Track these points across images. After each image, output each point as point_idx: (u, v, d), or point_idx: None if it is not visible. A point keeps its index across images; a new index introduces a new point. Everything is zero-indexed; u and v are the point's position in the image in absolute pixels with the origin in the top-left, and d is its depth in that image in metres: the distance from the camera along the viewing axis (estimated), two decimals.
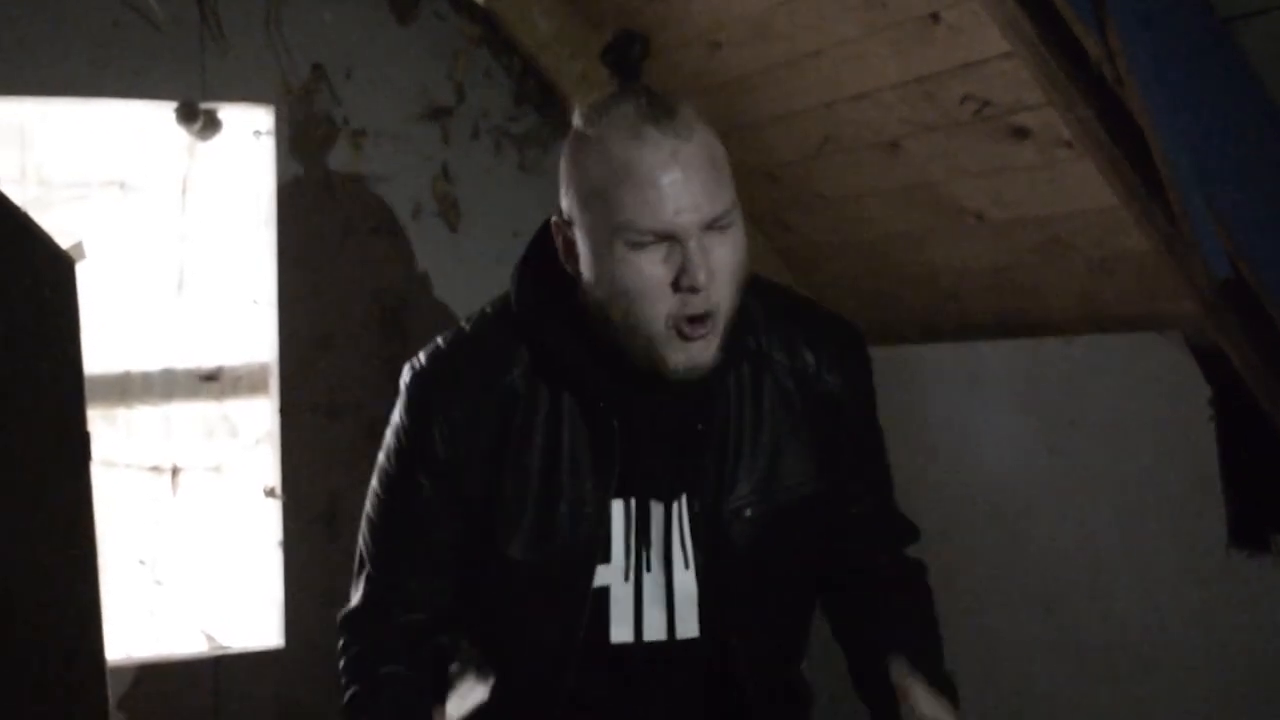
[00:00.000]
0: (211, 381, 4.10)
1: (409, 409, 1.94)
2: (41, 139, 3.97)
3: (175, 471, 4.07)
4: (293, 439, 4.01)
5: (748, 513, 1.90)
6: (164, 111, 3.96)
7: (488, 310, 1.98)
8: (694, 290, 1.73)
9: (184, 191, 4.09)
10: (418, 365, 1.96)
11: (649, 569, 1.91)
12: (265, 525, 4.06)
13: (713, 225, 1.76)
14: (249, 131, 4.11)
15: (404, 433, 1.95)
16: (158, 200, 4.07)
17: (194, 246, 4.10)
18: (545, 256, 1.89)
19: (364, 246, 4.13)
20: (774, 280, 2.12)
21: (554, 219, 1.86)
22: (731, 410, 1.91)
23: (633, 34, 1.87)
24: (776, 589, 1.97)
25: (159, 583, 4.03)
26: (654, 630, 1.92)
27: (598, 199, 1.76)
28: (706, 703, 1.98)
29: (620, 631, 1.92)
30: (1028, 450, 3.37)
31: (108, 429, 3.95)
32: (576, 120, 1.82)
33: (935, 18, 2.90)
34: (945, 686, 1.92)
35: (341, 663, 1.96)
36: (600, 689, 1.94)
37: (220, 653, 3.98)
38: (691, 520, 1.90)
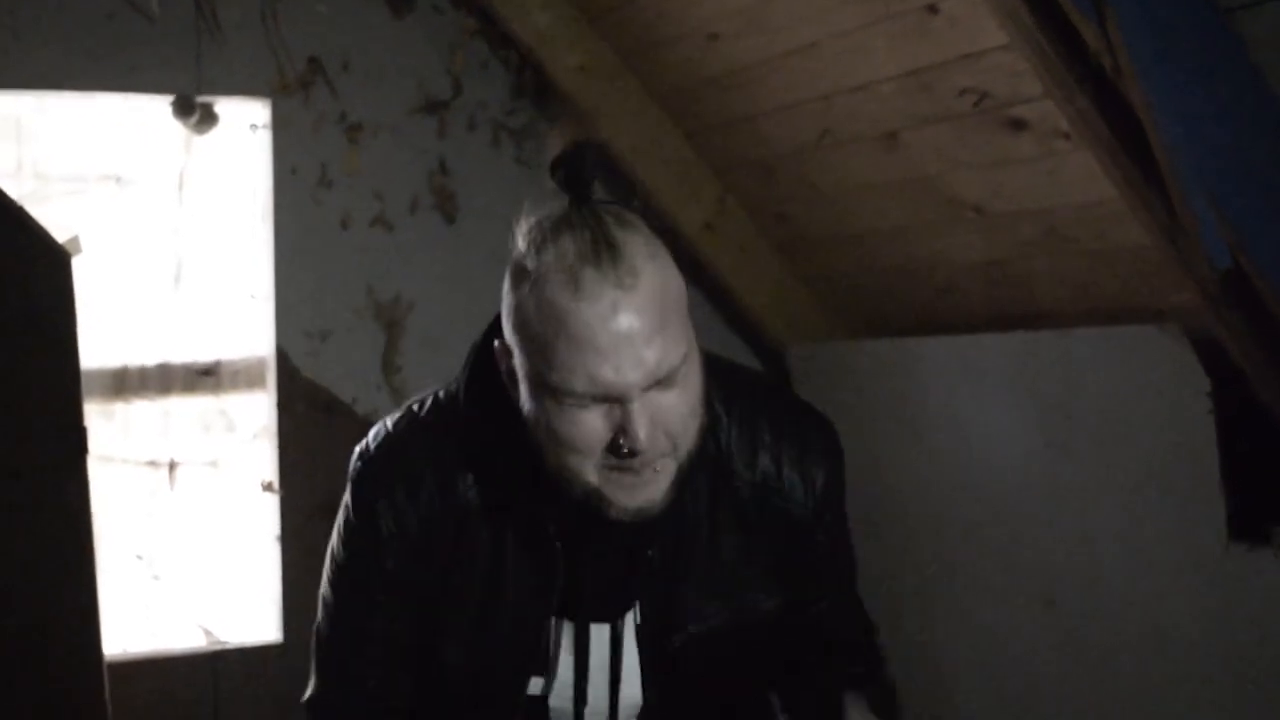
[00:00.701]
0: (209, 376, 4.09)
1: (355, 503, 1.86)
2: (37, 133, 3.96)
3: (172, 466, 4.06)
4: (290, 433, 4.01)
5: (693, 629, 1.84)
6: (160, 105, 3.95)
7: (441, 399, 1.88)
8: (633, 454, 1.61)
9: (180, 185, 4.08)
10: (367, 455, 1.87)
11: (587, 689, 1.86)
12: (263, 520, 4.05)
13: (659, 382, 1.60)
14: (245, 125, 4.10)
15: (353, 530, 1.87)
16: (154, 194, 4.05)
17: (190, 240, 4.09)
18: (492, 366, 1.77)
19: (361, 240, 4.12)
20: (738, 366, 1.99)
21: (497, 343, 1.73)
22: (686, 528, 1.83)
23: (584, 145, 1.69)
24: (726, 698, 1.93)
25: (156, 578, 4.02)
26: None
27: (533, 346, 1.62)
28: None
29: None
30: (1026, 443, 3.36)
31: (104, 424, 3.94)
32: (518, 242, 1.66)
33: (933, 9, 2.89)
34: None
35: None
36: None
37: (218, 648, 3.98)
38: (638, 639, 1.84)
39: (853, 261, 3.91)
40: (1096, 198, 2.91)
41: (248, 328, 4.12)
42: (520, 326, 1.64)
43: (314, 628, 1.96)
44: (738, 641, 1.87)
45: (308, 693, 1.97)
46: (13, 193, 3.02)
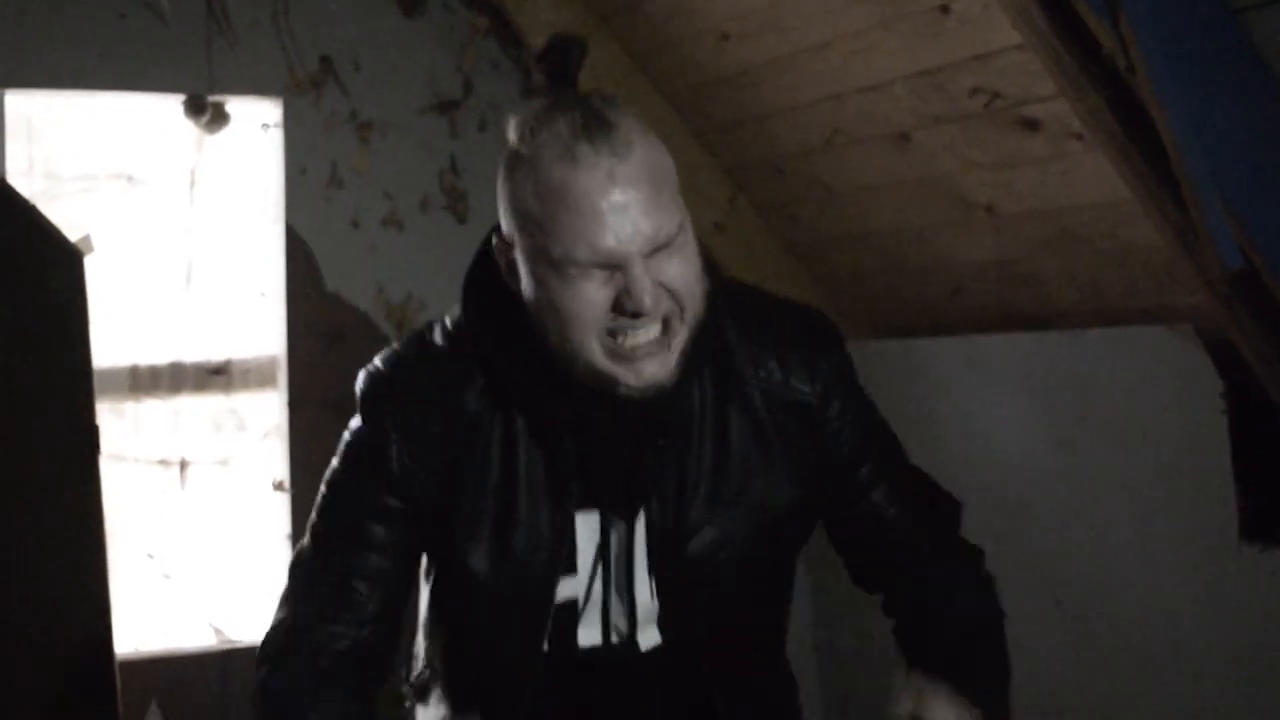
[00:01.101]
0: (220, 375, 4.10)
1: (366, 419, 1.89)
2: (49, 132, 3.97)
3: (183, 465, 4.07)
4: (301, 432, 4.01)
5: (708, 529, 1.85)
6: (172, 104, 3.96)
7: (446, 323, 1.91)
8: (637, 314, 1.65)
9: (192, 184, 4.09)
10: (375, 373, 1.90)
11: (611, 582, 1.87)
12: (273, 519, 4.06)
13: (658, 248, 1.66)
14: (257, 124, 4.11)
15: (360, 442, 1.90)
16: (166, 193, 4.06)
17: (202, 239, 4.10)
18: (492, 272, 1.83)
19: (372, 239, 4.13)
20: (740, 282, 2.04)
21: (494, 239, 1.81)
22: (695, 425, 1.85)
23: (569, 39, 1.76)
24: (743, 602, 1.93)
25: (167, 576, 4.03)
26: (618, 633, 1.90)
27: (533, 224, 1.68)
28: (676, 708, 1.96)
29: (588, 635, 1.90)
30: (1037, 444, 3.36)
31: (116, 422, 3.95)
32: (510, 135, 1.72)
33: (945, 9, 2.89)
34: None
35: (264, 694, 1.88)
36: (569, 697, 1.93)
37: (229, 646, 3.98)
38: (649, 537, 1.85)
39: (864, 261, 3.90)
40: (1109, 198, 2.90)
41: (259, 326, 4.13)
42: (519, 210, 1.71)
43: (292, 560, 1.95)
44: (751, 543, 1.88)
45: (281, 601, 1.92)
46: (25, 191, 3.03)
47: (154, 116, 4.03)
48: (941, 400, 3.65)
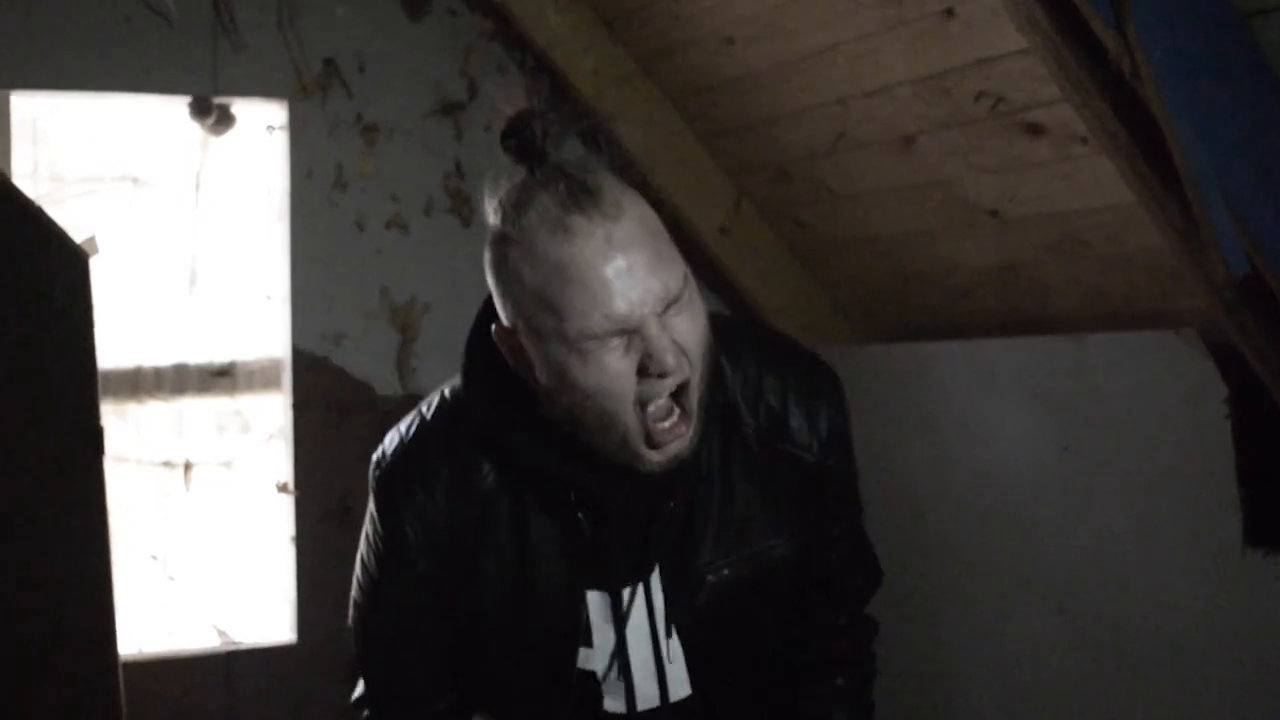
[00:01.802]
0: (224, 377, 4.10)
1: (380, 512, 1.89)
2: (54, 134, 3.97)
3: (188, 467, 4.07)
4: (305, 434, 4.02)
5: (712, 578, 1.87)
6: (177, 106, 3.96)
7: (447, 396, 1.91)
8: (663, 375, 1.64)
9: (197, 187, 4.09)
10: (384, 464, 1.90)
11: (629, 652, 1.88)
12: (277, 521, 4.06)
13: (669, 305, 1.64)
14: (262, 126, 4.11)
15: (379, 537, 1.91)
16: (171, 195, 4.07)
17: (207, 242, 4.10)
18: (488, 349, 1.79)
19: (376, 242, 4.13)
20: (737, 320, 2.07)
21: (494, 328, 1.75)
22: (700, 480, 1.86)
23: (528, 114, 1.73)
24: (758, 642, 1.98)
25: (171, 578, 4.03)
26: (647, 700, 1.92)
27: (540, 306, 1.64)
28: None
29: (613, 704, 1.92)
30: (1041, 449, 3.35)
31: (120, 424, 3.95)
32: (492, 219, 1.70)
33: (950, 13, 2.89)
34: None
35: None
36: None
37: (232, 648, 3.98)
38: (665, 592, 1.87)
39: (868, 265, 3.90)
40: (1113, 202, 2.90)
41: (263, 329, 4.13)
42: (520, 296, 1.66)
43: (353, 632, 2.00)
44: (756, 589, 1.91)
45: (356, 693, 2.01)
46: (30, 193, 3.03)
47: (159, 119, 4.03)
48: (945, 404, 3.65)
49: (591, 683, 1.90)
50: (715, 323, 1.79)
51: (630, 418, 1.66)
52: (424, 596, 1.89)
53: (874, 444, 2.19)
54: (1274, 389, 2.72)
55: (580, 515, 1.80)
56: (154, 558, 4.01)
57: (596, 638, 1.87)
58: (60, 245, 2.99)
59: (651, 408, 1.66)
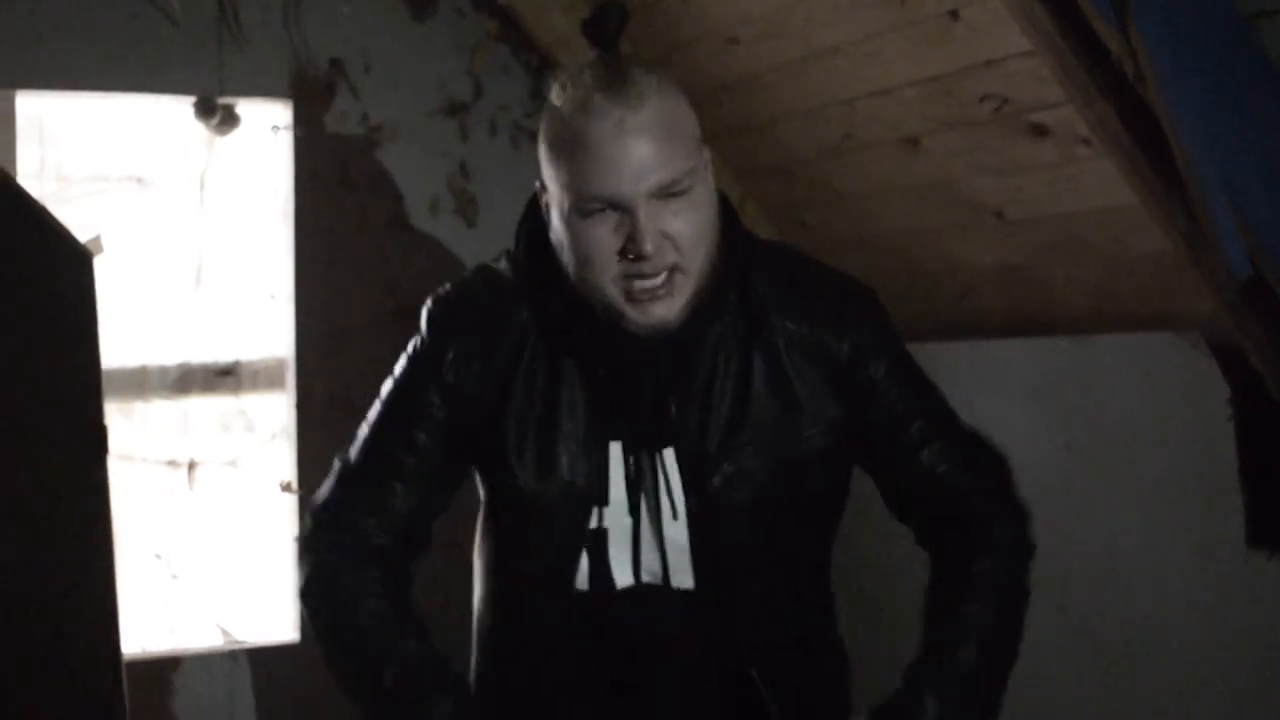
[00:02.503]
0: (228, 376, 4.11)
1: (428, 327, 2.03)
2: (60, 134, 3.98)
3: (192, 466, 4.08)
4: (309, 434, 4.02)
5: (726, 465, 1.91)
6: (182, 106, 3.96)
7: (505, 256, 2.04)
8: (640, 258, 1.77)
9: (202, 186, 4.10)
10: (441, 292, 2.06)
11: (641, 515, 1.93)
12: (281, 520, 4.07)
13: (665, 192, 1.78)
14: (267, 126, 4.11)
15: (419, 348, 2.04)
16: (175, 195, 4.07)
17: (211, 241, 4.11)
18: (538, 215, 1.96)
19: (381, 242, 4.14)
20: (785, 245, 2.14)
21: (537, 183, 1.92)
22: (719, 366, 1.93)
23: (608, 5, 1.89)
24: (771, 550, 1.96)
25: (175, 577, 4.03)
26: (650, 572, 1.95)
27: (558, 168, 1.82)
28: (709, 664, 1.99)
29: (621, 572, 1.95)
30: (1044, 450, 3.35)
31: (124, 423, 3.96)
32: (551, 93, 1.86)
33: (954, 15, 2.89)
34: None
35: (310, 561, 2.02)
36: (605, 640, 1.97)
37: (236, 647, 3.99)
38: (680, 471, 1.92)
39: (872, 266, 3.89)
40: (1116, 204, 2.90)
41: (267, 328, 4.14)
42: (548, 156, 1.84)
43: (344, 452, 2.08)
44: (779, 484, 1.93)
45: (320, 494, 2.07)
46: (35, 193, 3.04)
47: (164, 118, 4.04)
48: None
49: (601, 545, 1.94)
50: (757, 241, 2.01)
51: (611, 289, 1.81)
52: (439, 416, 1.98)
53: (1007, 458, 2.18)
54: (1277, 390, 2.73)
55: (600, 372, 1.91)
56: (158, 556, 4.02)
57: (613, 494, 1.93)
58: (65, 244, 2.99)
59: (639, 279, 1.79)
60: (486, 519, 2.07)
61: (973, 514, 2.07)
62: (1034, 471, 3.37)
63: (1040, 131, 2.95)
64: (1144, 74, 2.46)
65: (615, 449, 1.93)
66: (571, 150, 1.79)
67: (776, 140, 3.76)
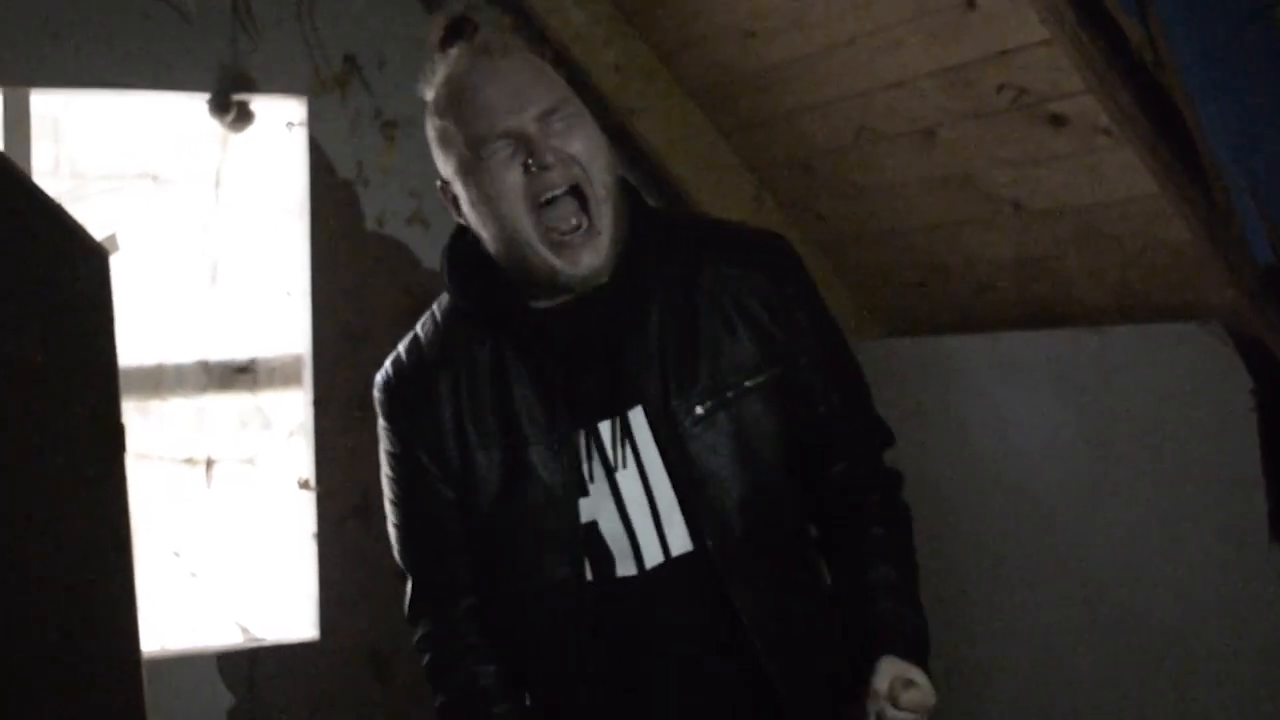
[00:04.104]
0: (245, 374, 4.11)
1: (382, 415, 2.10)
2: (75, 132, 3.98)
3: (209, 464, 4.08)
4: (326, 431, 4.02)
5: (698, 410, 1.95)
6: (196, 104, 3.96)
7: (433, 306, 2.12)
8: (543, 168, 1.85)
9: (217, 184, 4.10)
10: (381, 374, 2.12)
11: (620, 474, 1.96)
12: (299, 517, 4.07)
13: (550, 116, 1.88)
14: (281, 123, 4.11)
15: (383, 438, 2.10)
16: (191, 192, 4.07)
17: (227, 238, 4.11)
18: (462, 241, 2.04)
19: (397, 238, 4.13)
20: (695, 213, 2.20)
21: (438, 185, 2.01)
22: (658, 319, 1.97)
23: (462, 19, 2.05)
24: (753, 484, 1.99)
25: (193, 575, 4.03)
26: (652, 554, 1.96)
27: (448, 138, 1.92)
28: (713, 635, 2.00)
29: (624, 566, 1.97)
30: (1064, 443, 3.34)
31: (142, 421, 3.96)
32: (424, 95, 2.00)
33: (971, 5, 2.88)
34: (915, 630, 2.00)
35: (426, 654, 2.11)
36: (618, 633, 1.99)
37: (255, 645, 3.99)
38: (651, 427, 1.95)
39: (890, 259, 3.89)
40: (1137, 194, 2.89)
41: (284, 325, 4.13)
42: (439, 140, 1.96)
43: (396, 552, 2.14)
44: (741, 422, 1.98)
45: (407, 599, 2.13)
46: (51, 191, 3.03)
47: (179, 116, 4.03)
48: (968, 399, 3.64)
49: (597, 541, 1.96)
50: (669, 211, 2.13)
51: (526, 220, 1.87)
52: (439, 490, 2.03)
53: (896, 438, 2.18)
54: None
55: (546, 355, 1.95)
56: (176, 554, 4.02)
57: (594, 480, 1.96)
58: (81, 242, 2.99)
59: (553, 212, 1.87)
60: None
61: (849, 467, 2.11)
62: (1054, 465, 3.38)
63: (1059, 121, 2.94)
64: (1164, 62, 2.45)
65: (581, 436, 1.96)
66: (460, 107, 1.90)
67: (793, 133, 3.75)
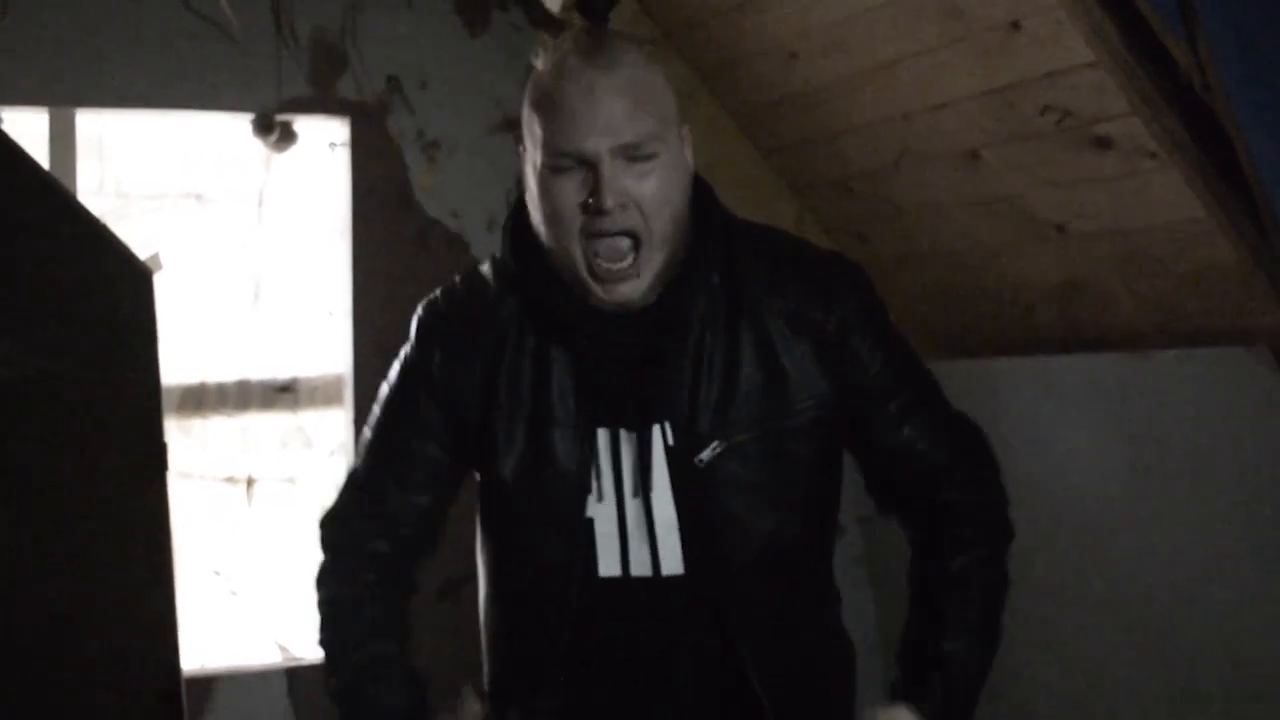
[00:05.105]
0: (287, 393, 4.12)
1: (415, 334, 2.10)
2: (119, 151, 4.01)
3: (250, 482, 4.09)
4: None
5: (717, 442, 1.92)
6: (240, 124, 3.98)
7: (496, 254, 2.08)
8: (600, 212, 1.81)
9: (260, 203, 4.12)
10: (429, 298, 2.11)
11: (631, 495, 1.94)
12: None
13: (630, 154, 1.83)
14: (324, 143, 4.13)
15: (408, 354, 2.10)
16: (234, 212, 4.09)
17: (269, 258, 4.12)
18: (522, 207, 2.00)
19: (438, 258, 4.13)
20: (770, 225, 2.13)
21: (518, 146, 2.00)
22: (706, 342, 1.94)
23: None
24: (761, 523, 1.95)
25: (234, 593, 4.04)
26: (640, 565, 1.95)
27: (532, 125, 1.89)
28: (704, 653, 1.98)
29: (607, 565, 1.96)
30: (1109, 469, 3.32)
31: (184, 440, 3.97)
32: (537, 57, 1.94)
33: (1016, 26, 2.86)
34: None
35: (317, 573, 2.19)
36: (597, 631, 1.98)
37: (294, 664, 3.99)
38: (669, 447, 1.93)
39: (932, 281, 3.87)
40: (1182, 217, 2.87)
41: (325, 345, 4.14)
42: (527, 113, 1.92)
43: (348, 470, 2.16)
44: (768, 459, 1.94)
45: (330, 504, 2.15)
46: (95, 210, 3.05)
47: (223, 136, 4.06)
48: (1011, 423, 3.61)
49: (589, 535, 1.95)
50: (742, 223, 2.02)
51: (576, 246, 1.84)
52: (432, 419, 2.04)
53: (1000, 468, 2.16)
54: None
55: (582, 351, 1.94)
56: (217, 573, 4.03)
57: (604, 480, 1.95)
58: (125, 261, 3.01)
59: (601, 246, 1.83)
60: (484, 521, 2.09)
61: (951, 497, 2.08)
62: (1098, 491, 3.35)
63: (1104, 144, 2.92)
64: (1211, 84, 2.43)
65: (603, 435, 1.95)
66: (546, 108, 1.86)
67: (835, 155, 3.75)
